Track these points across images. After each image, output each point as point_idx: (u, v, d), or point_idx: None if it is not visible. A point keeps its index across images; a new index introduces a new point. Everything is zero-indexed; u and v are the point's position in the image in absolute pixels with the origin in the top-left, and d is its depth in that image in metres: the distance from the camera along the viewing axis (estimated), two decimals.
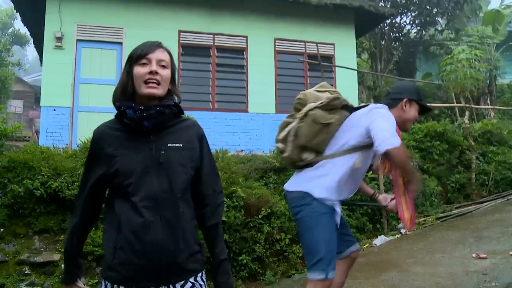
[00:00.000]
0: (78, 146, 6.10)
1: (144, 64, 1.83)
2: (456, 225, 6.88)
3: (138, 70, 1.83)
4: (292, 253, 5.63)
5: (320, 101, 2.96)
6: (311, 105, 2.97)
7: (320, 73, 10.93)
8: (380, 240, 6.50)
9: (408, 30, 17.24)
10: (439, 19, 15.88)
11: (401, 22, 17.07)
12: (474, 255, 4.95)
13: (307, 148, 2.97)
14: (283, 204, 5.79)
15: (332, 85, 11.05)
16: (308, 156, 2.98)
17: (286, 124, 3.12)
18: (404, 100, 2.98)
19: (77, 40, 9.34)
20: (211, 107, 10.09)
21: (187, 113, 5.61)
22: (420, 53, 17.65)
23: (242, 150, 9.66)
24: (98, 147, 1.85)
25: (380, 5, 13.58)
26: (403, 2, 15.97)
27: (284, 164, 4.62)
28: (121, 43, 9.47)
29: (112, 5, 9.64)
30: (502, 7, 16.01)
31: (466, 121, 9.55)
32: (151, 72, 1.81)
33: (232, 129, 10.22)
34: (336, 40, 11.36)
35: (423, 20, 15.66)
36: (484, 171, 9.79)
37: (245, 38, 10.50)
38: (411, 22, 16.59)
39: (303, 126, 2.96)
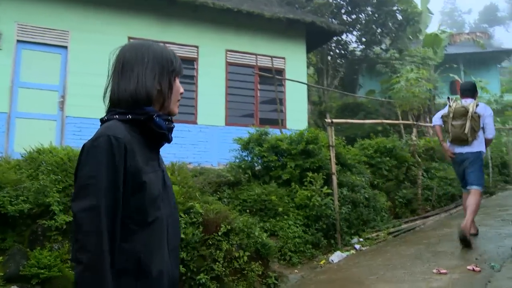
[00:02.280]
0: (22, 156, 5.57)
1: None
2: (409, 240, 6.93)
3: (178, 86, 1.73)
4: (251, 271, 5.39)
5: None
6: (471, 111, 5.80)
7: (270, 86, 10.90)
8: (337, 256, 6.41)
9: (353, 48, 17.70)
10: (384, 39, 16.41)
11: (347, 40, 17.50)
12: (434, 270, 4.95)
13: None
14: (241, 220, 5.58)
15: (281, 99, 11.08)
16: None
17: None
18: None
19: (17, 40, 8.74)
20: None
21: None
22: (364, 70, 18.17)
23: (190, 163, 9.36)
24: (131, 157, 1.52)
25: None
26: (349, 20, 16.38)
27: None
28: (66, 47, 8.95)
29: (58, 6, 9.11)
30: (439, 31, 16.81)
31: (414, 138, 9.79)
32: (181, 93, 1.75)
33: (180, 141, 9.89)
34: (287, 55, 11.39)
35: (368, 39, 16.11)
36: (428, 186, 10.06)
37: (196, 48, 10.28)
38: (357, 40, 17.05)
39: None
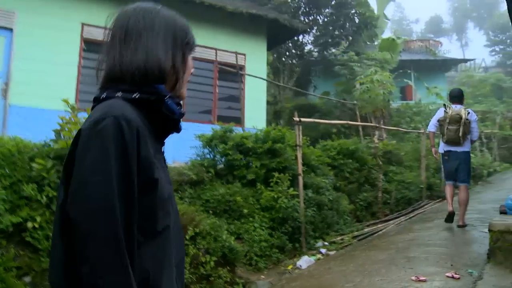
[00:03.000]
0: None
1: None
2: (376, 245, 6.75)
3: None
4: (218, 277, 4.98)
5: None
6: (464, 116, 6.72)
7: (230, 82, 10.52)
8: (305, 261, 6.11)
9: (310, 49, 17.63)
10: (341, 41, 16.41)
11: (303, 40, 17.40)
12: (413, 277, 4.73)
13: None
14: (209, 223, 5.15)
15: (240, 96, 10.72)
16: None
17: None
18: None
19: None
20: None
21: (82, 115, 4.79)
22: (319, 72, 18.12)
23: None
24: (144, 146, 1.16)
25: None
26: (306, 21, 16.26)
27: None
28: (11, 29, 8.11)
29: None
30: (395, 37, 17.05)
31: (376, 141, 9.71)
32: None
33: None
34: (247, 51, 11.03)
35: (325, 41, 16.06)
36: (387, 190, 10.03)
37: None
38: (313, 41, 16.97)
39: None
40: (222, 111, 10.61)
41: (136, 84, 1.23)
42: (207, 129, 8.82)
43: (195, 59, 9.57)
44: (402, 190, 10.51)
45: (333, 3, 15.24)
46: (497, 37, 34.46)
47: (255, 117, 10.77)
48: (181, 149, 9.49)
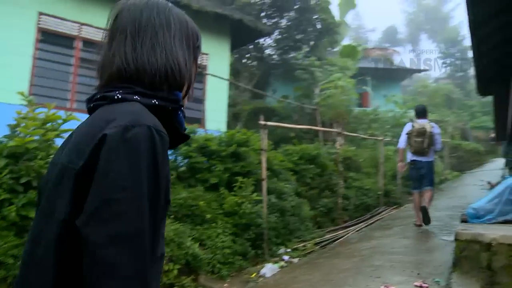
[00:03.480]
0: None
1: None
2: (340, 253, 6.69)
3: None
4: (181, 286, 4.73)
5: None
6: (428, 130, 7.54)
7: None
8: (269, 269, 5.93)
9: (271, 52, 17.57)
10: (303, 46, 16.44)
11: (264, 43, 17.31)
12: (382, 287, 4.67)
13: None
14: (172, 229, 4.90)
15: (202, 96, 10.49)
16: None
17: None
18: None
19: None
20: (68, 106, 8.59)
21: (38, 110, 4.44)
22: (279, 75, 18.09)
23: None
24: (167, 165, 1.02)
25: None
26: (268, 24, 16.20)
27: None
28: None
29: None
30: (356, 44, 17.28)
31: (338, 146, 9.70)
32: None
33: None
34: (210, 51, 10.79)
35: (287, 45, 16.04)
36: (346, 196, 10.05)
37: None
38: (275, 45, 16.92)
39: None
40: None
41: (156, 89, 1.09)
42: None
43: None
44: (360, 197, 10.58)
45: (296, 7, 15.23)
46: (448, 50, 35.88)
47: (216, 119, 10.57)
48: None
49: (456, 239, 4.95)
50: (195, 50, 1.23)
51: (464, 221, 6.25)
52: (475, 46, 9.22)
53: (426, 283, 4.68)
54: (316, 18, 15.42)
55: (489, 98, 24.06)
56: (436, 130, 7.71)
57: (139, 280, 0.86)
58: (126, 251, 0.86)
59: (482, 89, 12.47)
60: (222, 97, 10.92)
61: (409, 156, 7.91)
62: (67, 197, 0.94)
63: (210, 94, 10.66)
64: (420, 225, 7.93)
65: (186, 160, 6.98)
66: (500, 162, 20.17)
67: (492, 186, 11.58)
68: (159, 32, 1.13)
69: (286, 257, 6.69)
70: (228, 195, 6.67)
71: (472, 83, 33.97)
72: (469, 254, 4.68)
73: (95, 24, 8.87)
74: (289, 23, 15.82)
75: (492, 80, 11.07)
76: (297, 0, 15.48)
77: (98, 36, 9.06)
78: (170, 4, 1.21)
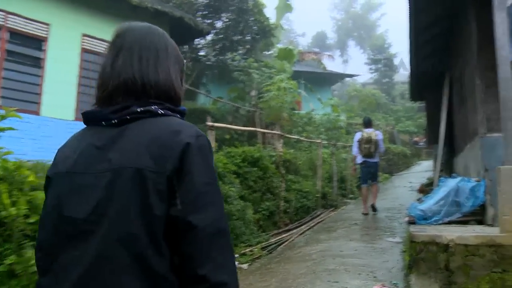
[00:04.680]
0: None
1: None
2: (290, 257, 6.55)
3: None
4: None
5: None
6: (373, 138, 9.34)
7: None
8: None
9: (206, 52, 17.24)
10: (240, 47, 16.28)
11: (199, 44, 16.96)
12: None
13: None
14: None
15: None
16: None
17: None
18: None
19: None
20: None
21: None
22: (213, 76, 17.79)
23: (29, 161, 7.68)
24: None
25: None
26: (205, 24, 15.89)
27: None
28: None
29: None
30: (292, 47, 17.40)
31: (280, 149, 9.61)
32: None
33: (18, 134, 8.06)
34: None
35: (225, 46, 15.79)
36: (287, 199, 9.98)
37: (47, 26, 8.59)
38: (211, 45, 16.61)
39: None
40: None
41: (161, 102, 1.27)
42: None
43: (92, 52, 8.63)
44: (300, 199, 10.55)
45: (233, 8, 15.04)
46: (375, 56, 37.40)
47: None
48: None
49: (412, 241, 4.96)
50: (182, 73, 1.40)
51: (411, 222, 6.35)
52: (413, 52, 9.52)
53: (386, 286, 4.65)
54: (253, 20, 15.31)
55: (413, 104, 25.42)
56: (380, 137, 9.60)
57: (230, 248, 1.17)
58: (219, 230, 1.14)
59: (416, 95, 12.98)
60: None
61: (360, 159, 9.72)
62: (161, 196, 1.11)
63: None
64: (367, 214, 9.72)
65: None
66: (426, 164, 21.31)
67: (422, 190, 12.05)
68: (160, 54, 1.30)
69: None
70: None
71: (397, 89, 35.76)
72: (427, 256, 4.70)
73: (23, 14, 8.14)
74: (226, 24, 15.59)
75: (426, 86, 11.52)
76: (234, 2, 15.30)
77: (27, 27, 8.34)
78: (165, 32, 1.38)
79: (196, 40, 16.14)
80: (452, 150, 10.10)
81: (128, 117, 1.19)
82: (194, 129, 1.21)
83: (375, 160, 9.73)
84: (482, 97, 6.06)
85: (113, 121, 1.20)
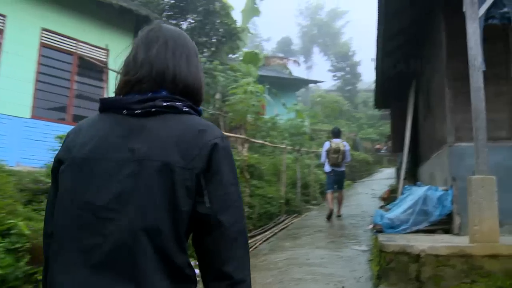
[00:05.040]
0: None
1: None
2: (255, 265, 6.32)
3: None
4: None
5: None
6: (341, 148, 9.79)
7: (89, 79, 9.38)
8: None
9: None
10: (205, 49, 16.00)
11: None
12: None
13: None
14: None
15: (102, 95, 9.62)
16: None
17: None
18: None
19: None
20: None
21: None
22: None
23: None
24: None
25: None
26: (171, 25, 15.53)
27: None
28: None
29: None
30: (258, 51, 17.28)
31: (245, 154, 9.42)
32: None
33: None
34: (112, 47, 9.94)
35: None
36: (250, 204, 9.81)
37: (3, 18, 8.09)
38: None
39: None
40: (79, 110, 9.32)
41: (195, 104, 1.33)
42: (61, 129, 7.64)
43: (52, 48, 8.20)
44: (264, 205, 10.40)
45: (200, 10, 14.77)
46: (339, 64, 37.88)
47: None
48: (29, 150, 8.07)
49: (382, 251, 4.87)
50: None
51: (379, 231, 6.29)
52: (380, 60, 9.55)
53: None
54: (220, 23, 15.08)
55: (375, 112, 25.80)
56: (347, 147, 10.10)
57: (248, 247, 1.26)
58: (242, 229, 1.22)
59: (380, 102, 13.08)
60: None
61: (328, 167, 10.11)
62: (188, 192, 1.15)
63: (112, 92, 9.80)
64: (332, 209, 10.20)
65: None
66: (388, 172, 21.59)
67: (385, 198, 12.13)
68: (191, 54, 1.35)
69: (197, 271, 6.20)
70: None
71: (360, 97, 36.26)
72: (397, 266, 4.62)
73: None
74: (192, 25, 15.29)
75: (391, 93, 11.62)
76: (201, 3, 15.04)
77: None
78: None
79: None
80: (416, 158, 10.18)
81: (152, 110, 1.21)
82: (218, 129, 1.26)
83: (342, 169, 10.18)
84: (451, 106, 6.07)
85: (136, 111, 1.21)
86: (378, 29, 8.25)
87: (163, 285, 1.11)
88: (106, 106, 1.27)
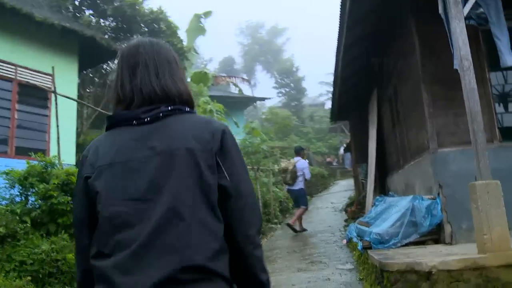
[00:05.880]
0: None
1: None
2: None
3: None
4: None
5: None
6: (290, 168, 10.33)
7: (33, 107, 8.57)
8: None
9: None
10: None
11: (107, 69, 15.81)
12: None
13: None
14: None
15: (46, 124, 8.81)
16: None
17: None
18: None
19: None
20: None
21: None
22: None
23: None
24: None
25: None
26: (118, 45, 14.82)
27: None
28: None
29: None
30: (207, 70, 16.84)
31: None
32: None
33: None
34: (55, 71, 9.11)
35: None
36: None
37: None
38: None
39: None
40: (22, 141, 8.43)
41: (190, 107, 1.47)
42: (3, 164, 6.82)
43: None
44: None
45: (145, 30, 14.17)
46: (283, 80, 38.09)
47: (63, 150, 8.88)
48: None
49: (385, 270, 4.50)
50: None
51: (366, 248, 5.94)
52: (338, 71, 9.38)
53: None
54: (166, 42, 14.52)
55: (323, 125, 26.02)
56: (301, 165, 10.32)
57: (260, 214, 1.45)
58: (255, 197, 1.45)
59: (338, 115, 12.94)
60: (70, 126, 9.29)
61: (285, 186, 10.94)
62: (211, 169, 1.30)
63: (56, 121, 8.97)
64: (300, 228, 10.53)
65: (42, 201, 5.44)
66: (343, 184, 21.59)
67: (351, 211, 11.93)
68: (172, 65, 1.47)
69: None
70: None
71: (306, 111, 36.54)
72: (405, 286, 4.25)
73: None
74: None
75: (350, 105, 11.49)
76: (146, 23, 14.46)
77: None
78: (168, 44, 1.59)
79: (105, 64, 15.00)
80: (383, 168, 9.96)
81: (161, 115, 1.35)
82: (219, 121, 1.45)
83: (295, 187, 10.36)
84: (431, 112, 5.88)
85: (145, 119, 1.34)
86: (339, 39, 8.07)
87: (210, 247, 1.22)
88: (115, 121, 1.38)
